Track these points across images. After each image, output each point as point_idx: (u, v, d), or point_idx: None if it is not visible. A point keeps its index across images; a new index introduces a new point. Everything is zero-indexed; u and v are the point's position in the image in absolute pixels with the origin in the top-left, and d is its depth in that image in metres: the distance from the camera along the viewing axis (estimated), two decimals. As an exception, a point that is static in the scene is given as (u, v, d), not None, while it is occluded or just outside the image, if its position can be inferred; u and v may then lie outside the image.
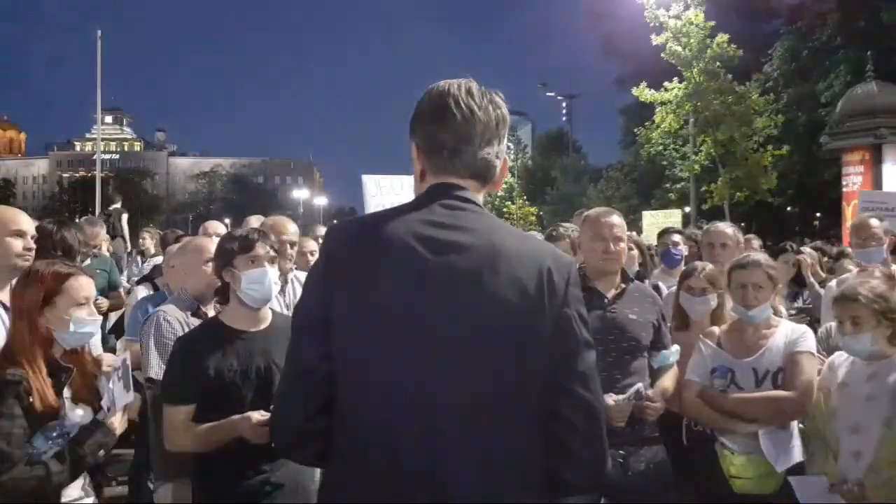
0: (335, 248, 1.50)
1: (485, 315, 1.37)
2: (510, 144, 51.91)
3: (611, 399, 2.73)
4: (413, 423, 1.36)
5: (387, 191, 7.79)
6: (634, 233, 7.69)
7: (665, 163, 28.56)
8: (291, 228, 3.75)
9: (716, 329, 3.23)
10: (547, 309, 1.40)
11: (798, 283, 5.48)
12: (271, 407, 1.56)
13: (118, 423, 2.36)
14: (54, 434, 2.21)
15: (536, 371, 1.40)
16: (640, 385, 2.74)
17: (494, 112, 1.49)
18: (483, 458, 1.37)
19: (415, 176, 1.56)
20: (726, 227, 4.14)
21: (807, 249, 6.14)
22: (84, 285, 2.43)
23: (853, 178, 14.79)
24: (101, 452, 2.30)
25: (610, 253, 2.91)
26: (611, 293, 2.97)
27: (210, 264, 2.92)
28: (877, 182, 13.97)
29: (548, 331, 1.40)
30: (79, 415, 2.30)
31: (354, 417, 1.41)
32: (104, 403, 2.40)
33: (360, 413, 1.40)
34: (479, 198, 1.52)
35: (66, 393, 2.38)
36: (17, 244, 2.75)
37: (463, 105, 1.47)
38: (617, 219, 3.00)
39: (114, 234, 9.96)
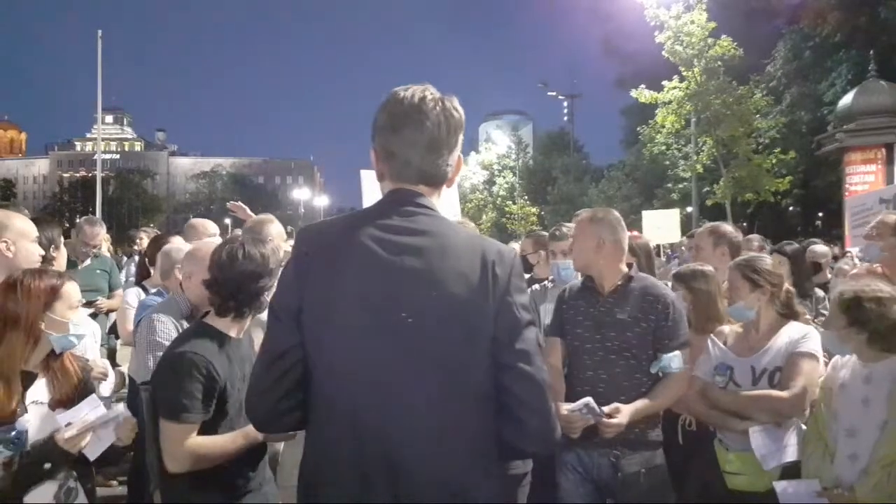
0: (305, 248, 1.65)
1: (437, 307, 1.53)
2: (511, 144, 51.97)
3: (563, 409, 2.71)
4: (376, 402, 1.53)
5: None
6: (636, 232, 7.68)
7: (667, 162, 28.59)
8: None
9: (726, 328, 3.25)
10: (491, 297, 1.55)
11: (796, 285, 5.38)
12: (250, 392, 1.70)
13: (70, 444, 2.27)
14: (3, 439, 2.17)
15: (485, 353, 1.56)
16: (588, 399, 2.69)
17: (446, 120, 1.61)
18: (440, 435, 1.53)
19: (376, 177, 1.70)
20: (705, 231, 4.24)
21: (819, 248, 6.05)
22: (76, 290, 2.50)
23: (859, 178, 14.74)
24: (47, 465, 2.25)
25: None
26: (607, 291, 2.96)
27: None
28: (889, 181, 13.94)
29: (492, 316, 1.55)
30: (26, 421, 2.24)
31: (324, 398, 1.58)
32: (66, 418, 2.32)
33: (329, 394, 1.57)
34: (433, 199, 1.66)
35: (46, 396, 2.38)
36: (37, 250, 2.88)
37: (414, 116, 1.59)
38: (577, 221, 3.09)
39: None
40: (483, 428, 1.58)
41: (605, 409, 2.71)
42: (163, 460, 2.25)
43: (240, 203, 5.32)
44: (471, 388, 1.56)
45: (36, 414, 2.33)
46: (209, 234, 4.69)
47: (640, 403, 2.79)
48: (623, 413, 2.72)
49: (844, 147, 15.38)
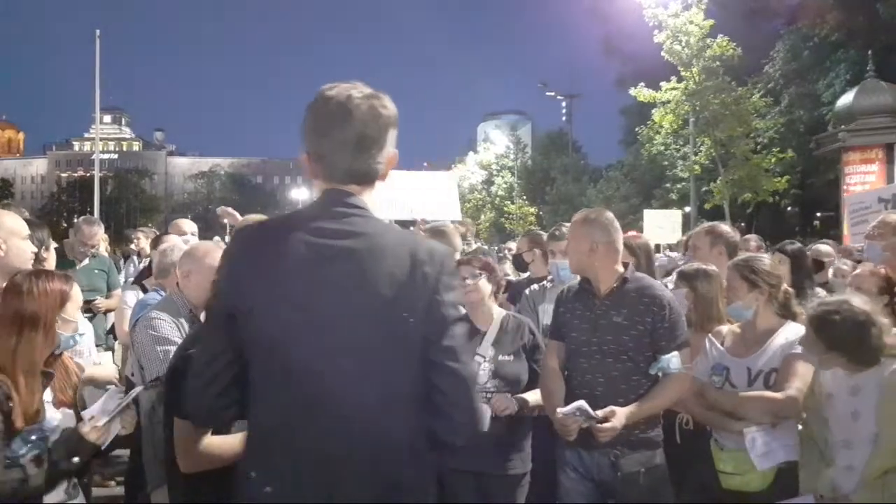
0: (239, 250, 1.71)
1: (367, 305, 1.56)
2: (509, 144, 51.98)
3: (558, 412, 2.72)
4: (310, 401, 1.57)
5: (385, 184, 7.80)
6: (634, 232, 7.67)
7: (666, 163, 28.58)
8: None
9: (723, 328, 3.25)
10: (419, 296, 1.59)
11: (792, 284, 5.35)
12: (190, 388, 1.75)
13: (95, 434, 2.33)
14: (33, 437, 2.23)
15: (416, 351, 1.59)
16: (581, 402, 2.69)
17: (374, 119, 1.61)
18: (373, 433, 1.57)
19: (311, 178, 1.72)
20: (702, 230, 4.23)
21: (823, 247, 6.03)
22: (79, 291, 2.57)
23: (859, 178, 14.74)
24: (75, 459, 2.30)
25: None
26: (603, 292, 2.95)
27: None
28: (889, 180, 13.96)
29: (421, 315, 1.58)
30: (58, 418, 2.32)
31: (259, 396, 1.62)
32: (91, 412, 2.37)
33: (264, 393, 1.62)
34: (365, 197, 1.67)
35: (48, 396, 2.41)
36: (29, 248, 2.87)
37: (340, 116, 1.59)
38: (573, 224, 3.04)
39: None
40: (416, 425, 1.62)
41: (600, 412, 2.70)
42: (167, 460, 2.26)
43: (229, 209, 5.60)
44: (403, 386, 1.60)
45: (60, 411, 2.39)
46: (183, 233, 4.93)
47: (637, 406, 2.78)
48: (618, 416, 2.71)
49: (844, 146, 15.39)
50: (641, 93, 20.23)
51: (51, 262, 3.63)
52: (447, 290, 1.63)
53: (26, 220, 3.26)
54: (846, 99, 16.22)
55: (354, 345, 1.57)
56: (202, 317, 2.91)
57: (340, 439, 1.56)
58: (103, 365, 3.56)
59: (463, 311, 1.69)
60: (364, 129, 1.60)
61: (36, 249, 2.95)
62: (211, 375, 1.67)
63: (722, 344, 3.16)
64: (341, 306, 1.57)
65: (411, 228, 6.24)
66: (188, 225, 5.38)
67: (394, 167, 1.74)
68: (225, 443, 2.25)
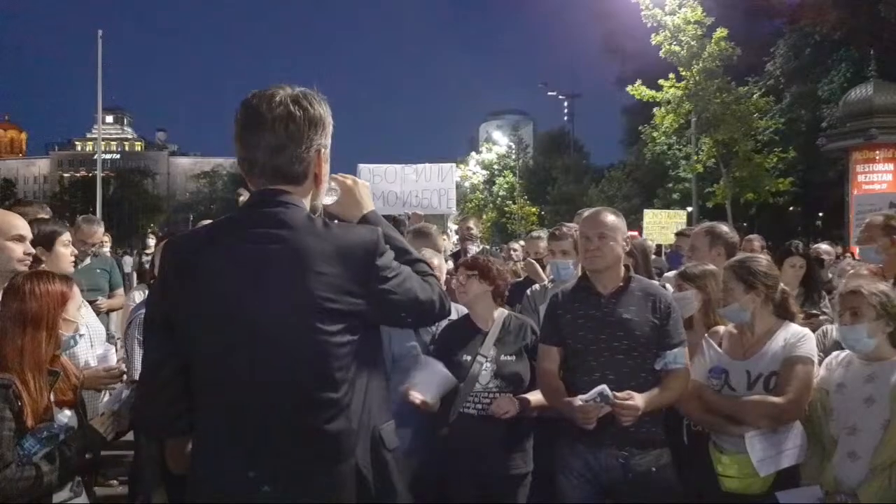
0: (169, 260, 1.77)
1: (294, 301, 1.61)
2: (511, 144, 51.92)
3: (577, 400, 2.72)
4: (248, 400, 1.63)
5: (379, 179, 7.81)
6: (635, 233, 7.68)
7: (668, 163, 28.54)
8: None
9: (721, 329, 3.23)
10: (357, 288, 1.65)
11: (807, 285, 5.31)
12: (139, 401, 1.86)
13: (105, 428, 2.40)
14: (44, 436, 2.26)
15: (356, 332, 1.66)
16: (603, 387, 2.69)
17: (290, 118, 1.65)
18: (302, 427, 1.63)
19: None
20: (701, 230, 4.22)
21: (824, 246, 6.03)
22: (78, 291, 2.58)
23: (877, 177, 14.59)
24: (88, 455, 2.36)
25: (590, 251, 2.92)
26: (609, 292, 2.95)
27: None
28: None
29: (354, 302, 1.64)
30: (67, 416, 2.35)
31: (201, 400, 1.70)
32: (102, 408, 2.45)
33: (206, 392, 1.68)
34: (294, 195, 1.70)
35: (51, 397, 2.42)
36: (17, 249, 2.79)
37: (257, 119, 1.65)
38: (604, 217, 2.98)
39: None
40: (362, 418, 1.69)
41: (619, 396, 2.71)
42: (162, 460, 2.26)
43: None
44: (343, 371, 1.65)
45: (58, 409, 2.40)
46: None
47: (651, 394, 2.80)
48: (638, 398, 2.72)
49: (855, 146, 15.12)
50: (639, 90, 20.18)
51: (55, 262, 3.57)
52: (387, 270, 1.71)
53: (37, 220, 3.26)
54: (860, 93, 15.77)
55: (281, 337, 1.61)
56: None
57: (275, 442, 1.63)
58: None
59: (398, 266, 1.79)
60: (281, 129, 1.65)
61: (32, 250, 2.88)
62: (158, 384, 1.73)
63: (719, 345, 3.14)
64: (265, 299, 1.61)
65: (407, 223, 6.23)
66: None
67: (326, 166, 1.78)
68: None
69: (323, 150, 1.74)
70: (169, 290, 1.72)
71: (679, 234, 5.07)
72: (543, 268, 4.64)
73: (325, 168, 1.78)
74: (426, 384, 2.90)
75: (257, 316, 1.61)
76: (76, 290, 2.54)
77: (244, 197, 5.51)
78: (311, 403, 1.64)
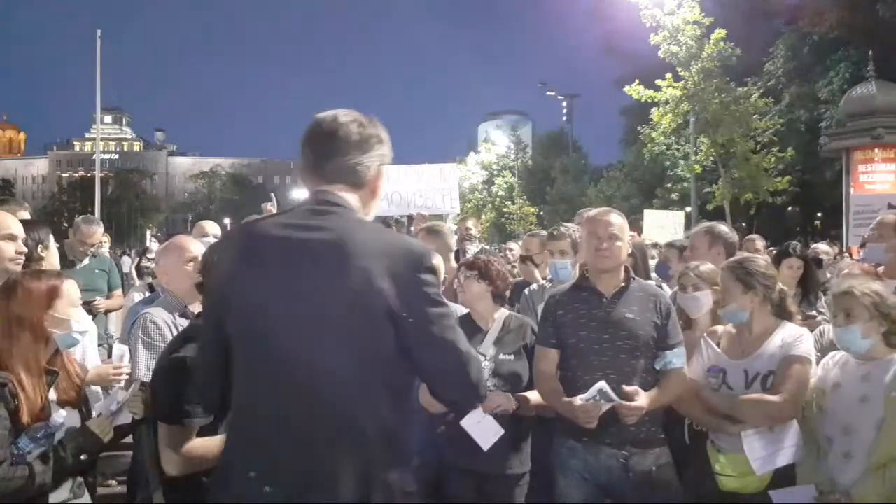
0: (223, 252, 1.87)
1: (336, 299, 1.65)
2: (510, 144, 51.94)
3: (578, 400, 2.72)
4: (289, 388, 1.67)
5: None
6: (635, 233, 7.70)
7: (667, 163, 28.54)
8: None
9: (719, 328, 3.24)
10: (390, 293, 1.65)
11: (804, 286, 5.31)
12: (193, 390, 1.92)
13: (102, 430, 2.38)
14: (39, 435, 2.25)
15: (390, 343, 1.67)
16: (602, 384, 2.70)
17: (357, 130, 1.80)
18: (353, 425, 1.65)
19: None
20: (701, 230, 4.23)
21: (822, 246, 6.04)
22: (74, 288, 2.54)
23: (880, 177, 14.56)
24: (83, 456, 2.33)
25: (601, 250, 2.92)
26: (610, 292, 2.95)
27: (192, 264, 3.01)
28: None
29: (393, 311, 1.66)
30: (63, 416, 2.33)
31: (245, 384, 1.74)
32: (99, 408, 2.43)
33: (249, 380, 1.73)
34: (350, 199, 1.80)
35: (52, 395, 2.42)
36: (8, 248, 2.79)
37: (326, 129, 1.80)
38: (614, 217, 3.00)
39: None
40: (392, 415, 1.71)
41: (626, 390, 2.72)
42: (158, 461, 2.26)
43: (268, 205, 5.61)
44: (380, 378, 1.69)
45: (65, 410, 2.39)
46: (205, 235, 4.85)
47: (653, 393, 2.82)
48: (642, 397, 2.74)
49: (854, 145, 15.09)
50: (637, 90, 20.17)
51: (51, 261, 3.59)
52: (428, 286, 1.72)
53: (24, 221, 3.24)
54: (863, 92, 15.69)
55: (322, 332, 1.66)
56: (196, 310, 2.94)
57: (319, 425, 1.65)
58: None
59: (449, 305, 1.81)
60: (340, 140, 1.78)
61: (24, 249, 2.87)
62: (211, 372, 1.81)
63: (717, 345, 3.15)
64: (308, 295, 1.66)
65: (410, 226, 6.25)
66: (211, 226, 5.22)
67: (383, 181, 1.89)
68: (208, 445, 2.26)
69: (382, 165, 1.86)
70: (224, 281, 1.78)
71: (668, 246, 5.06)
72: (535, 265, 4.66)
73: (381, 184, 1.89)
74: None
75: (301, 308, 1.67)
76: (68, 287, 2.50)
77: (271, 208, 5.53)
78: (347, 420, 1.66)
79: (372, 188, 1.85)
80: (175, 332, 2.91)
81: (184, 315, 3.04)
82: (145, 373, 2.83)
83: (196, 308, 2.95)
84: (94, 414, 2.45)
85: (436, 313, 1.73)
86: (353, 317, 1.65)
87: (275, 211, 5.37)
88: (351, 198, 1.80)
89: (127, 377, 3.01)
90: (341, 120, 1.80)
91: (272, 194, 5.87)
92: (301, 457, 1.65)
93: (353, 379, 1.66)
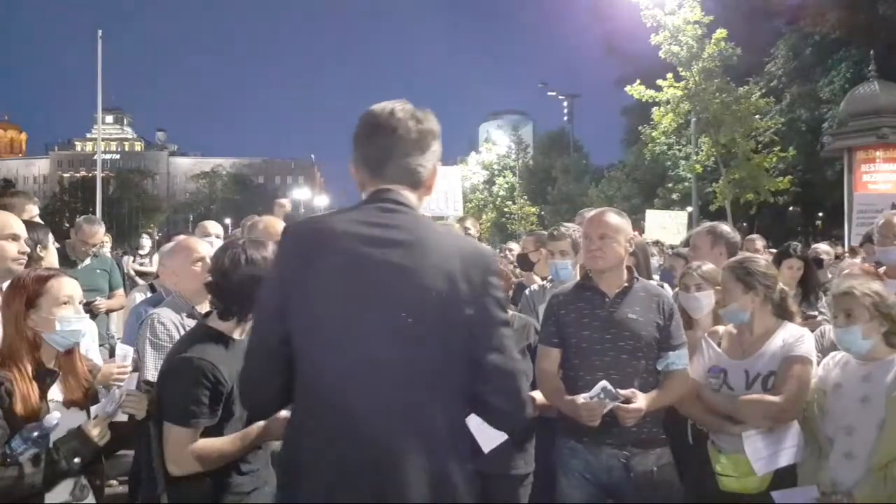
0: (289, 245, 1.78)
1: (413, 298, 1.63)
2: (511, 144, 51.92)
3: (580, 398, 2.72)
4: (360, 388, 1.63)
5: None
6: (637, 233, 7.69)
7: (668, 163, 28.54)
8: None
9: (720, 329, 3.24)
10: (465, 295, 1.65)
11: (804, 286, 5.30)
12: (244, 383, 1.84)
13: (98, 434, 2.32)
14: (33, 436, 2.21)
15: (459, 345, 1.66)
16: (604, 382, 2.70)
17: (416, 128, 1.76)
18: (422, 426, 1.63)
19: (358, 187, 1.83)
20: (703, 230, 4.22)
21: (823, 246, 6.03)
22: (66, 285, 2.44)
23: (883, 177, 14.52)
24: (77, 460, 2.28)
25: (591, 251, 2.93)
26: (613, 292, 2.95)
27: (199, 264, 3.01)
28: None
29: (467, 313, 1.65)
30: (56, 417, 2.26)
31: (313, 384, 1.69)
32: (95, 411, 2.39)
33: (318, 380, 1.68)
34: (412, 199, 1.78)
35: (59, 396, 2.40)
36: (11, 248, 2.78)
37: (385, 125, 1.74)
38: (607, 217, 2.97)
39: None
40: (460, 419, 1.71)
41: (622, 393, 2.71)
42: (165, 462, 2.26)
43: (281, 201, 5.57)
44: (451, 380, 1.67)
45: (60, 411, 2.35)
46: (208, 235, 4.87)
47: (653, 395, 2.81)
48: (641, 399, 2.73)
49: (856, 144, 15.04)
50: (637, 90, 20.16)
51: (50, 261, 3.57)
52: (495, 289, 1.71)
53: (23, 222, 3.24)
54: (866, 91, 15.62)
55: (397, 332, 1.62)
56: (203, 310, 2.94)
57: (388, 435, 1.61)
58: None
59: (509, 311, 1.80)
60: (402, 139, 1.74)
61: (27, 249, 2.86)
62: (269, 369, 1.75)
63: (718, 345, 3.15)
64: (385, 293, 1.63)
65: None
66: (213, 227, 5.22)
67: (435, 180, 1.84)
68: (214, 446, 2.28)
69: (438, 163, 1.83)
70: (289, 275, 1.72)
71: (675, 255, 5.07)
72: (531, 265, 4.67)
73: (436, 180, 1.86)
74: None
75: (370, 310, 1.64)
76: (60, 284, 2.42)
77: (284, 208, 5.54)
78: (422, 404, 1.65)
79: (428, 186, 1.83)
80: (182, 332, 2.91)
81: (191, 315, 3.04)
82: (153, 373, 2.82)
83: (203, 308, 2.96)
84: (91, 416, 2.41)
85: (502, 318, 1.72)
86: (432, 315, 1.63)
87: (289, 207, 5.35)
88: (412, 197, 1.78)
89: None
90: (399, 115, 1.75)
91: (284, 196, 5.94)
92: (372, 457, 1.61)
93: (429, 378, 1.65)
